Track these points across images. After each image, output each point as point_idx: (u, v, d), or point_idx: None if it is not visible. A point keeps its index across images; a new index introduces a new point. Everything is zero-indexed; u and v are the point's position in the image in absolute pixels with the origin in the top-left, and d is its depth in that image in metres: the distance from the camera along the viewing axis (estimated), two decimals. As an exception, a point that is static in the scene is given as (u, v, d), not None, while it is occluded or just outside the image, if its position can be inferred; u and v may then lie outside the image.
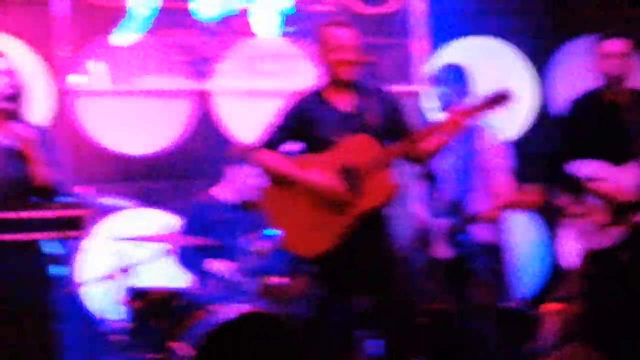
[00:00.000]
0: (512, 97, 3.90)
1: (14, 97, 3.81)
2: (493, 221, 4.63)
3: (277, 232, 4.10)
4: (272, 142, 4.06)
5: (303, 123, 4.04)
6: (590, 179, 4.53)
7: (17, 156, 3.73)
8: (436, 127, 3.97)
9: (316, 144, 4.02)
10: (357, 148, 3.98)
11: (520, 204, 4.46)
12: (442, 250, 4.67)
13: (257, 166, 4.10)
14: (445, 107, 4.77)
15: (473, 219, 4.60)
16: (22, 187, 3.76)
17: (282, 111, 4.10)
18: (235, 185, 5.24)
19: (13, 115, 3.81)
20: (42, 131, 3.90)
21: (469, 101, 4.68)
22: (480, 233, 4.56)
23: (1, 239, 3.57)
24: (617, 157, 4.51)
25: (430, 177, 3.96)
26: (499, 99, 3.91)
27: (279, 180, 4.02)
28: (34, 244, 3.82)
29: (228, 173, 5.24)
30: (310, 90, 4.13)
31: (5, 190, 3.65)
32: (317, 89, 4.11)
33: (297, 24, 6.08)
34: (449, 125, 3.92)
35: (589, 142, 4.60)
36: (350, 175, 3.95)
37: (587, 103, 4.68)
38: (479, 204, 4.73)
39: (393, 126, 4.07)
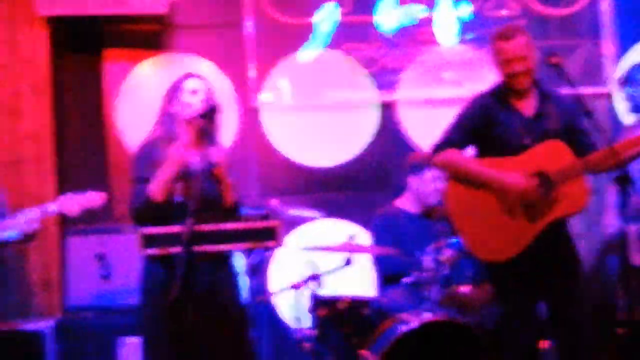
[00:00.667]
0: None
1: (210, 116, 3.97)
2: None
3: (461, 236, 4.07)
4: (454, 142, 4.05)
5: (485, 124, 4.02)
6: None
7: (211, 178, 3.90)
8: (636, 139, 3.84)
9: (497, 146, 3.99)
10: (549, 154, 3.91)
11: None
12: (638, 258, 4.50)
13: (441, 167, 4.09)
14: (636, 109, 4.60)
15: None
16: (215, 206, 3.92)
17: (463, 112, 4.10)
18: (417, 194, 5.25)
19: (208, 135, 3.97)
20: (231, 153, 4.07)
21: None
22: None
23: (198, 250, 3.72)
24: None
25: (625, 181, 3.80)
26: None
27: (463, 182, 4.00)
28: (228, 255, 3.99)
29: (410, 182, 5.26)
30: (492, 92, 4.10)
31: (202, 207, 3.81)
32: (499, 92, 4.08)
33: (478, 30, 6.03)
34: None
35: None
36: (543, 181, 3.89)
37: None
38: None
39: (572, 132, 3.97)
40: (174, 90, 4.03)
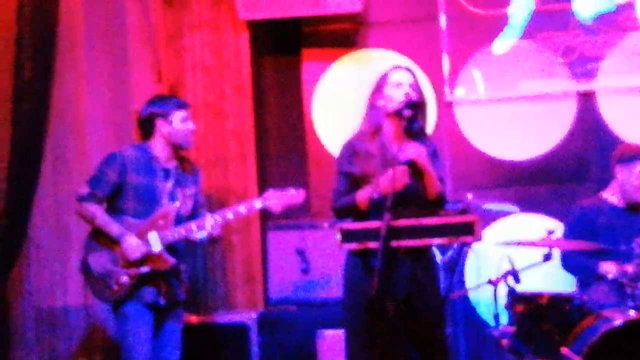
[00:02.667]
0: None
1: (415, 108, 3.95)
2: None
3: None
4: None
5: None
6: None
7: (414, 170, 3.91)
8: None
9: None
10: None
11: None
12: None
13: None
14: None
15: None
16: (418, 199, 3.93)
17: None
18: (622, 187, 5.04)
19: (413, 128, 3.96)
20: (433, 145, 4.07)
21: None
22: None
23: (396, 245, 3.74)
24: None
25: None
26: None
27: None
28: (428, 250, 4.00)
29: (617, 173, 5.06)
30: None
31: (404, 200, 3.83)
32: None
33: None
34: None
35: None
36: None
37: None
38: None
39: None
40: (380, 83, 4.07)
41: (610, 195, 5.10)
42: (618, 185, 5.05)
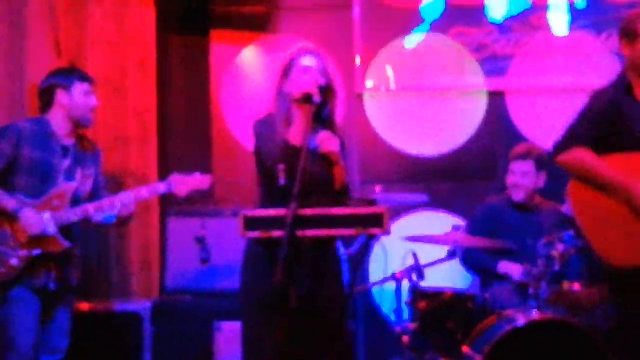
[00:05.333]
0: None
1: (324, 95, 3.79)
2: None
3: (588, 239, 3.83)
4: (581, 138, 3.79)
5: (611, 117, 3.75)
6: None
7: (322, 161, 3.79)
8: None
9: (625, 142, 3.72)
10: None
11: None
12: None
13: (567, 166, 3.82)
14: None
15: None
16: (326, 190, 3.80)
17: (590, 105, 3.83)
18: (511, 186, 5.06)
19: (322, 116, 3.82)
20: (341, 135, 3.96)
21: None
22: None
23: (302, 235, 3.59)
24: None
25: None
26: None
27: (586, 183, 3.77)
28: (334, 241, 3.88)
29: (512, 172, 5.07)
30: (618, 82, 3.84)
31: (311, 190, 3.71)
32: (625, 81, 3.81)
33: (594, 17, 5.77)
34: None
35: None
36: None
37: None
38: None
39: None
40: (287, 68, 3.92)
41: (512, 193, 5.10)
42: (514, 184, 5.07)
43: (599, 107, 3.78)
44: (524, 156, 5.01)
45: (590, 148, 3.75)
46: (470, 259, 5.01)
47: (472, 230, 5.05)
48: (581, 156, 3.74)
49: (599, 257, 3.71)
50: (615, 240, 3.66)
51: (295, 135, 3.77)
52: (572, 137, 3.77)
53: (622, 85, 3.80)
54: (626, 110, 3.73)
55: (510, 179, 5.05)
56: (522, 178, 5.00)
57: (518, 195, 5.02)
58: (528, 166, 5.00)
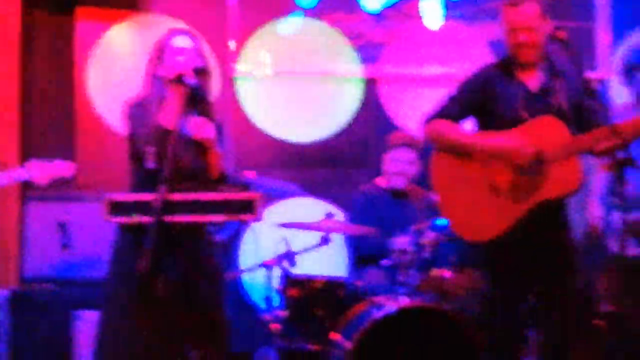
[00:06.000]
0: None
1: (199, 76, 3.71)
2: None
3: (443, 211, 3.88)
4: (449, 113, 3.85)
5: (484, 96, 3.81)
6: None
7: (196, 146, 3.68)
8: None
9: (497, 120, 3.79)
10: (544, 130, 3.71)
11: None
12: (630, 247, 4.34)
13: (431, 136, 3.87)
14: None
15: None
16: (198, 176, 3.72)
17: (464, 83, 3.88)
18: (394, 173, 5.07)
19: (197, 98, 3.73)
20: (217, 119, 3.86)
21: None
22: None
23: (174, 221, 3.51)
24: None
25: (627, 165, 3.60)
26: None
27: (449, 156, 3.80)
28: (205, 227, 3.78)
29: (386, 160, 5.08)
30: (497, 64, 3.89)
31: (183, 176, 3.60)
32: (504, 64, 3.86)
33: (467, 7, 5.84)
34: None
35: None
36: (537, 158, 3.68)
37: None
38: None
39: (579, 109, 3.78)
40: (159, 49, 3.79)
41: (384, 183, 5.14)
42: (389, 171, 5.11)
43: (471, 85, 3.85)
44: (409, 144, 5.03)
45: (456, 122, 3.82)
46: (355, 246, 4.99)
47: (353, 218, 5.03)
48: (441, 126, 3.80)
49: (452, 229, 3.79)
50: (469, 213, 3.76)
51: (168, 118, 3.69)
52: (439, 111, 3.85)
53: (501, 65, 3.85)
54: (501, 90, 3.79)
55: (393, 166, 5.05)
56: (407, 165, 5.01)
57: (400, 183, 5.03)
58: (414, 154, 5.00)
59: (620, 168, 3.61)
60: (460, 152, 3.79)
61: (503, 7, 3.83)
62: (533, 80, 3.80)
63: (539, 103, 3.76)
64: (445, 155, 3.84)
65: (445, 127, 3.83)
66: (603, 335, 4.52)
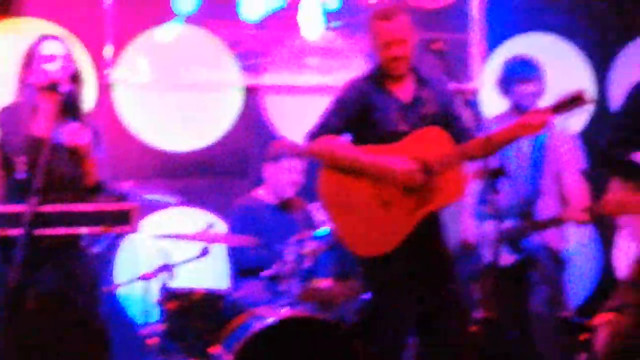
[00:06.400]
0: (588, 98, 3.69)
1: (71, 84, 3.65)
2: (580, 224, 4.42)
3: (330, 230, 3.89)
4: (331, 128, 3.84)
5: (362, 109, 3.84)
6: None
7: (70, 154, 3.57)
8: (515, 127, 3.73)
9: (374, 133, 3.82)
10: (428, 141, 3.76)
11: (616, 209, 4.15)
12: (503, 256, 4.47)
13: (317, 154, 3.86)
14: (517, 106, 4.60)
15: (548, 223, 4.39)
16: (74, 185, 3.64)
17: (340, 97, 3.89)
18: (273, 185, 5.05)
19: (70, 106, 3.63)
20: (94, 127, 3.76)
21: (543, 99, 4.52)
22: (546, 239, 4.34)
23: (48, 233, 3.44)
24: None
25: (499, 174, 3.70)
26: (575, 99, 3.68)
27: (338, 171, 3.80)
28: (79, 239, 3.69)
29: (266, 172, 5.07)
30: (368, 77, 3.93)
31: (57, 186, 3.50)
32: (375, 76, 3.90)
33: (348, 18, 5.89)
34: (526, 127, 3.69)
35: None
36: (425, 173, 3.74)
37: None
38: (547, 207, 4.52)
39: (448, 117, 3.86)
40: (30, 56, 3.68)
41: (265, 194, 5.11)
42: (270, 184, 5.07)
43: (348, 98, 3.87)
44: (298, 153, 5.01)
45: (338, 136, 3.83)
46: (236, 257, 4.94)
47: (233, 229, 4.99)
48: (329, 143, 3.81)
49: (345, 247, 3.80)
50: (362, 229, 3.76)
51: (41, 126, 3.58)
52: (322, 126, 3.83)
53: (372, 77, 3.89)
54: (376, 103, 3.83)
55: (283, 176, 5.00)
56: (297, 175, 5.00)
57: (290, 193, 5.00)
58: (302, 164, 5.00)
59: (492, 177, 3.70)
60: (349, 169, 3.79)
61: (374, 20, 3.86)
62: (404, 91, 3.86)
63: (412, 114, 3.82)
64: (333, 171, 3.83)
65: (331, 143, 3.83)
66: (478, 341, 4.63)
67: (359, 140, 3.88)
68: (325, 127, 3.84)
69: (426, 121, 3.81)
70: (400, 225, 3.72)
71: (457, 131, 3.84)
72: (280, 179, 5.02)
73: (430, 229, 3.82)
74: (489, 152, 3.71)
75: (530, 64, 4.74)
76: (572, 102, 3.68)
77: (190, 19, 5.72)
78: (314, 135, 3.86)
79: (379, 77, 3.88)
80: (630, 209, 4.02)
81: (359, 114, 3.84)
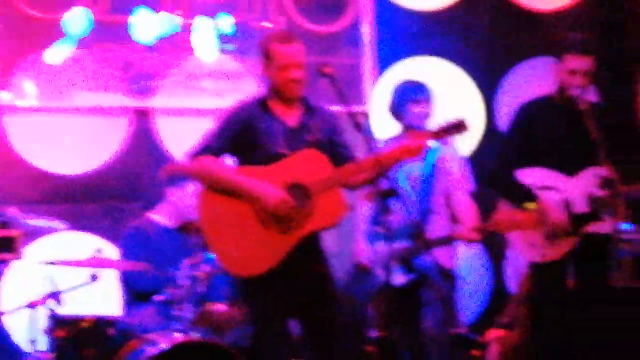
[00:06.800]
0: (467, 126, 3.81)
1: None
2: (471, 242, 4.52)
3: (212, 250, 3.85)
4: (212, 149, 3.81)
5: (246, 132, 3.82)
6: (541, 187, 4.40)
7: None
8: (397, 150, 3.78)
9: (258, 155, 3.81)
10: (306, 164, 3.78)
11: (504, 227, 4.25)
12: (396, 276, 4.52)
13: (196, 174, 3.84)
14: (408, 127, 4.68)
15: (440, 242, 4.46)
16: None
17: (225, 119, 3.87)
18: (176, 208, 5.00)
19: None
20: None
21: (430, 121, 4.61)
22: (437, 257, 4.41)
23: None
24: (573, 165, 4.38)
25: (391, 195, 3.75)
26: (456, 127, 3.80)
27: (217, 192, 3.77)
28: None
29: (169, 194, 5.00)
30: (255, 99, 3.92)
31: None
32: (262, 99, 3.89)
33: (240, 41, 5.89)
34: (408, 151, 3.76)
35: (542, 147, 4.47)
36: (299, 192, 3.74)
37: (540, 109, 4.55)
38: (438, 226, 4.60)
39: (333, 145, 3.89)
40: None
41: (160, 216, 5.04)
42: (170, 206, 5.02)
43: (232, 121, 3.85)
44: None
45: (219, 158, 3.82)
46: (129, 282, 4.84)
47: (125, 254, 4.91)
48: (208, 164, 3.78)
49: (223, 267, 3.78)
50: (240, 250, 3.74)
51: None
52: (203, 147, 3.81)
53: (259, 101, 3.88)
54: (262, 126, 3.82)
55: (187, 200, 4.92)
56: (190, 199, 4.92)
57: (193, 215, 4.93)
58: None
59: (383, 198, 3.75)
60: (228, 190, 3.78)
61: (273, 42, 3.86)
62: (291, 117, 3.87)
63: (298, 139, 3.83)
64: (213, 192, 3.80)
65: (211, 164, 3.80)
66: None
67: (243, 161, 3.86)
68: (206, 148, 3.81)
69: (311, 147, 3.83)
70: (278, 245, 3.72)
71: (342, 159, 3.87)
72: (185, 202, 4.95)
73: (309, 250, 3.81)
74: (376, 173, 3.76)
75: (420, 86, 4.83)
76: (453, 129, 3.80)
77: (81, 41, 5.62)
78: (194, 155, 3.83)
79: (267, 101, 3.88)
80: (518, 226, 4.14)
81: (242, 136, 3.82)
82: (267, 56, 3.84)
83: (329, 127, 3.93)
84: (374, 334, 4.78)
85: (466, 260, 5.82)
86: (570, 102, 4.36)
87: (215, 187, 3.79)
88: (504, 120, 6.02)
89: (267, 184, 3.73)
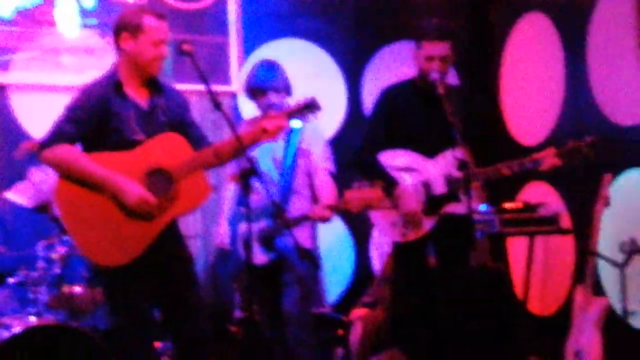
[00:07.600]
0: (319, 105, 3.85)
1: None
2: (324, 221, 4.56)
3: (74, 240, 3.74)
4: (67, 135, 3.67)
5: (101, 116, 3.70)
6: (402, 169, 4.51)
7: None
8: (254, 132, 3.77)
9: (111, 140, 3.70)
10: (166, 148, 3.71)
11: (355, 205, 4.30)
12: (257, 256, 4.53)
13: (52, 163, 3.69)
14: (265, 109, 4.67)
15: (296, 221, 4.49)
16: None
17: (77, 102, 3.73)
18: (33, 187, 4.84)
19: None
20: None
21: (287, 101, 4.62)
22: (298, 237, 4.44)
23: None
24: (433, 147, 4.48)
25: (251, 174, 3.74)
26: (307, 106, 3.84)
27: (75, 183, 3.66)
28: None
29: (31, 174, 4.84)
30: (107, 79, 3.80)
31: None
32: (115, 81, 3.77)
33: (104, 16, 5.74)
34: (264, 132, 3.75)
35: (403, 130, 4.56)
36: (161, 177, 3.68)
37: (401, 93, 4.65)
38: (299, 206, 4.63)
39: (184, 125, 3.85)
40: None
41: (17, 196, 4.90)
42: (31, 186, 4.87)
43: (86, 104, 3.72)
44: None
45: (76, 145, 3.69)
46: None
47: None
48: (65, 153, 3.65)
49: (85, 257, 3.69)
50: (99, 240, 3.64)
51: None
52: (57, 134, 3.67)
53: (111, 82, 3.77)
54: (116, 109, 3.72)
55: (49, 181, 4.74)
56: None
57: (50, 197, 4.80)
58: None
59: (245, 178, 3.74)
60: (87, 183, 3.66)
61: (146, 15, 3.73)
62: (142, 98, 3.79)
63: (152, 122, 3.77)
64: (71, 182, 3.67)
65: (67, 154, 3.66)
66: (238, 341, 4.67)
67: (95, 146, 3.73)
68: (60, 136, 3.66)
69: (162, 129, 3.77)
70: (142, 234, 3.66)
71: (193, 138, 3.83)
72: (46, 183, 4.79)
73: (167, 233, 3.76)
74: (236, 154, 3.75)
75: (273, 68, 4.80)
76: (305, 108, 3.83)
77: None
78: (47, 144, 3.67)
79: (118, 82, 3.76)
80: (368, 204, 4.21)
81: (96, 121, 3.70)
82: (136, 30, 3.72)
83: (179, 106, 3.88)
84: (238, 314, 4.78)
85: (330, 240, 5.89)
86: (430, 87, 4.45)
87: (74, 178, 3.66)
88: (368, 104, 6.11)
89: (127, 180, 3.63)
